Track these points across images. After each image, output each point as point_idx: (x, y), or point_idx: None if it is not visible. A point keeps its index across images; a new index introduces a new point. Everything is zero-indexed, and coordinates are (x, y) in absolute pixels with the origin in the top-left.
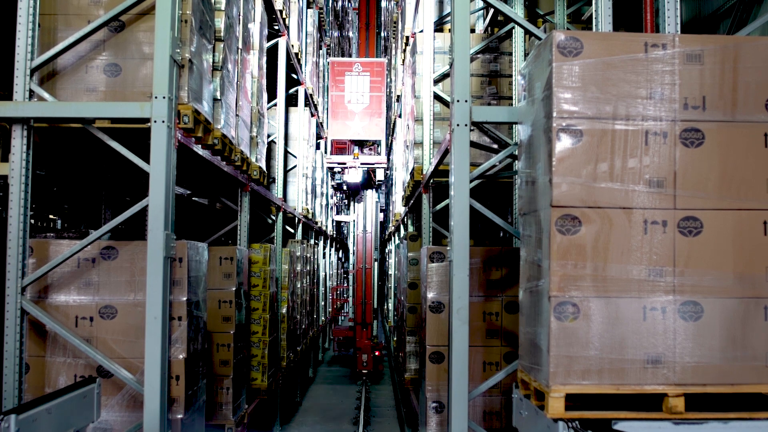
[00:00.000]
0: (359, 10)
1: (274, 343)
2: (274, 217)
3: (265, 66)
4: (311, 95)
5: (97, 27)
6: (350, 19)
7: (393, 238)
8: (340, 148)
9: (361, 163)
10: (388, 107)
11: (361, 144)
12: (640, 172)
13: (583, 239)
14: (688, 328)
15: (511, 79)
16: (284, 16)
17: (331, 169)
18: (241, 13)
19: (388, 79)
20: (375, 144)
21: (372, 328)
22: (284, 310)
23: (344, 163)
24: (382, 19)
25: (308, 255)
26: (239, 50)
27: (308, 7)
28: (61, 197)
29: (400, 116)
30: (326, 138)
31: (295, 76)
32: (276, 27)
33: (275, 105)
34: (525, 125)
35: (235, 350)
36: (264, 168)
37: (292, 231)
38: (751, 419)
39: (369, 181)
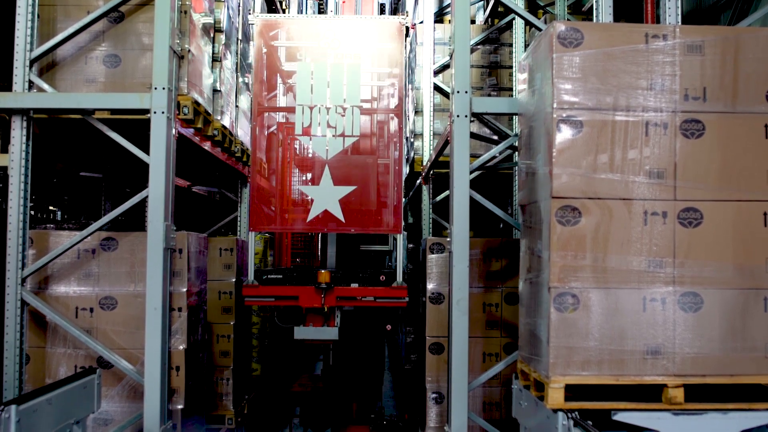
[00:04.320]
0: None
1: None
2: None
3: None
4: None
5: (97, 18)
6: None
7: None
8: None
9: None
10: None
11: None
12: (640, 163)
13: (583, 230)
14: (687, 319)
15: (511, 71)
16: (284, 6)
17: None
18: (241, 4)
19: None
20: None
21: None
22: None
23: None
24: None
25: None
26: (239, 41)
27: None
28: (61, 189)
29: None
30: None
31: None
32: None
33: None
34: (525, 116)
35: (235, 341)
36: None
37: None
38: (750, 410)
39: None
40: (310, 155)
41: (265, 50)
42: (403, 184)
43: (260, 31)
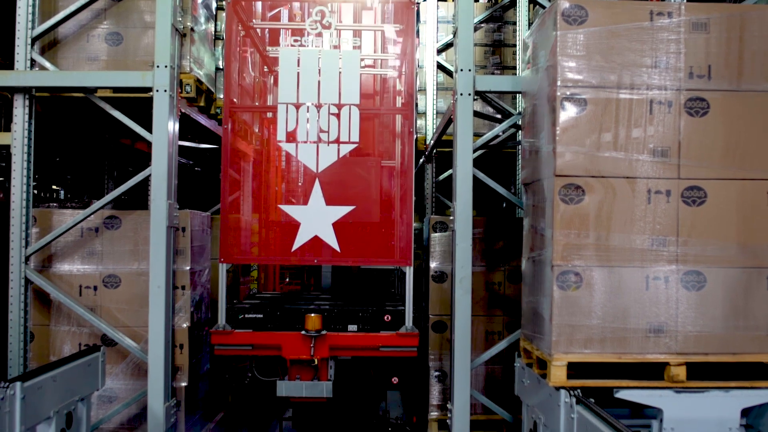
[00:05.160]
0: None
1: None
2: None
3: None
4: None
5: None
6: None
7: None
8: None
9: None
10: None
11: None
12: (644, 142)
13: (586, 208)
14: (690, 298)
15: (515, 49)
16: None
17: None
18: None
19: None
20: None
21: None
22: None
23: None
24: None
25: None
26: None
27: None
28: (63, 167)
29: None
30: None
31: None
32: None
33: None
34: (529, 94)
35: None
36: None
37: None
38: (752, 388)
39: None
40: (296, 167)
41: (242, 33)
42: (413, 203)
43: (233, 9)
